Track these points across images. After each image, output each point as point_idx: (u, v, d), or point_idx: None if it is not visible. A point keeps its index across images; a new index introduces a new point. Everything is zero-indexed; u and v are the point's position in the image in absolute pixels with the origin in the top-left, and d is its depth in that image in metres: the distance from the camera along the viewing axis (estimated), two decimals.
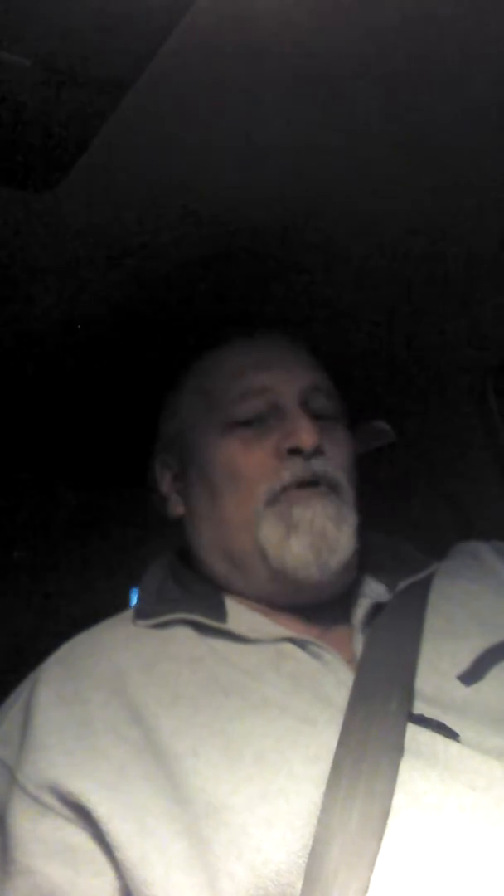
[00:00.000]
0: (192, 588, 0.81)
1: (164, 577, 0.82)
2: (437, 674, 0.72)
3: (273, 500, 0.77)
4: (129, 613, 0.80)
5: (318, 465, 0.78)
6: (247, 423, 0.80)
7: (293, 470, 0.77)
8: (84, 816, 0.65)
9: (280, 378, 0.82)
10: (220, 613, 0.77)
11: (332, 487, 0.78)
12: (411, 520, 1.05)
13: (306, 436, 0.77)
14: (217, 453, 0.80)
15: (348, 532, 0.78)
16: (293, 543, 0.76)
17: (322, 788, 0.61)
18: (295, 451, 0.78)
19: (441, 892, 0.56)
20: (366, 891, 0.56)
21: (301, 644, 0.74)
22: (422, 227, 0.81)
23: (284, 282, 0.88)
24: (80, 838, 0.65)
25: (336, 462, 0.80)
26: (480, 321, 0.95)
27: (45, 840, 0.65)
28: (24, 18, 0.53)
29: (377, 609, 0.78)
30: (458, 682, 0.71)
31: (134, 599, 0.83)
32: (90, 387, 1.02)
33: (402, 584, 0.80)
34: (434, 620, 0.78)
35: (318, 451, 0.78)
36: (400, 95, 0.64)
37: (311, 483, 0.78)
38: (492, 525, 0.96)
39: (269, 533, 0.76)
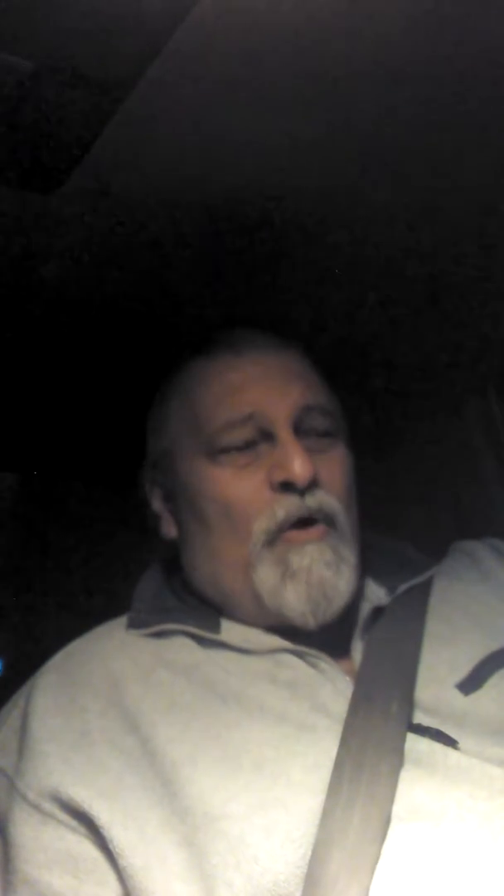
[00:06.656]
0: (188, 599, 0.80)
1: (160, 586, 0.81)
2: (435, 682, 0.71)
3: (270, 541, 0.73)
4: (123, 620, 0.79)
5: (312, 501, 0.74)
6: (237, 449, 0.76)
7: (287, 507, 0.73)
8: (86, 824, 0.64)
9: (269, 399, 0.76)
10: (214, 625, 0.76)
11: (330, 523, 0.74)
12: (411, 520, 1.05)
13: (300, 469, 0.72)
14: (207, 484, 0.76)
15: (348, 575, 0.74)
16: (289, 593, 0.72)
17: (320, 797, 0.61)
18: (288, 486, 0.73)
19: None
20: None
21: (298, 654, 0.73)
22: (422, 226, 0.81)
23: (282, 281, 0.88)
24: (82, 846, 0.65)
25: (333, 490, 0.75)
26: (481, 320, 0.95)
27: (47, 849, 0.65)
28: (25, 19, 0.53)
29: (377, 612, 0.77)
30: (456, 692, 0.70)
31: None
32: (93, 385, 1.02)
33: (402, 587, 0.79)
34: (434, 625, 0.77)
35: (312, 484, 0.73)
36: (400, 95, 0.64)
37: (307, 521, 0.74)
38: (492, 525, 0.96)
39: (265, 577, 0.73)
